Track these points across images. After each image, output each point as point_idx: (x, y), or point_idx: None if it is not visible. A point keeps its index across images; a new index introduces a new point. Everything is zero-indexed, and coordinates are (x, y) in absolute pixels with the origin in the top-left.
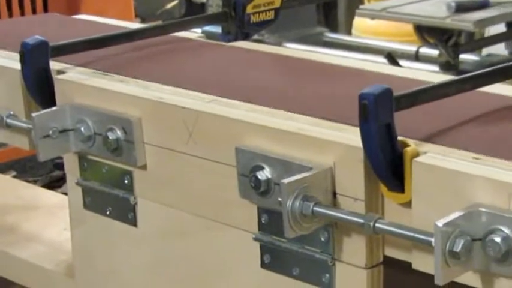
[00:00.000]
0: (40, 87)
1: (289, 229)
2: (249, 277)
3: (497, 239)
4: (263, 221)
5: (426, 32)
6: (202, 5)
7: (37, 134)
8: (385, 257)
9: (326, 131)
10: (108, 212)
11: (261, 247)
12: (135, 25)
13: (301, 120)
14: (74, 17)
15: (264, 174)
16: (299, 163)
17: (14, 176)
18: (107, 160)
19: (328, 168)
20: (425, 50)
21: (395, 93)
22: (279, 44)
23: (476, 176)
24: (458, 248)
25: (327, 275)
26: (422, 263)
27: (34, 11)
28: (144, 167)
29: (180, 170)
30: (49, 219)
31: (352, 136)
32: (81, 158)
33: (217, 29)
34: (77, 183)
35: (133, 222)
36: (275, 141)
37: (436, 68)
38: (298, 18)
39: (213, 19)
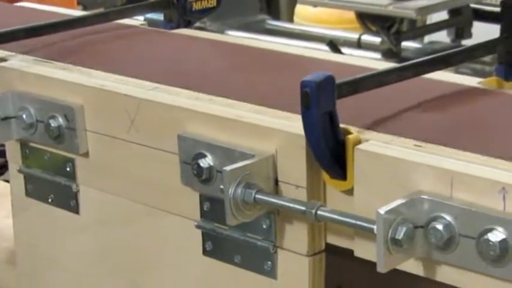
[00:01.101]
0: None
1: (231, 216)
2: (191, 264)
3: (439, 227)
4: (205, 209)
5: (368, 19)
6: None
7: None
8: (327, 244)
9: (268, 119)
10: (50, 200)
11: (203, 234)
12: (77, 12)
13: (243, 108)
14: (15, 5)
15: (206, 161)
16: (241, 151)
17: None
18: (49, 147)
19: (270, 155)
20: (367, 38)
21: (338, 80)
22: (221, 32)
23: (418, 164)
24: (400, 235)
25: (269, 263)
26: (364, 250)
27: None
28: (86, 155)
29: (122, 158)
30: None
31: (294, 124)
32: (23, 145)
33: (159, 16)
34: (19, 171)
35: (76, 210)
36: (217, 128)
37: (378, 55)
38: (240, 5)
39: (155, 6)
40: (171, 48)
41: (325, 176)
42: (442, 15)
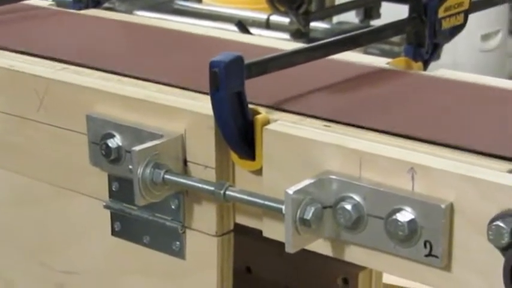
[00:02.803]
0: None
1: (139, 197)
2: (100, 245)
3: (348, 207)
4: (114, 189)
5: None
6: None
7: None
8: (236, 224)
9: (177, 99)
10: None
11: (112, 215)
12: None
13: (152, 88)
14: None
15: (115, 142)
16: (150, 131)
17: None
18: None
19: (178, 136)
20: (276, 18)
21: (246, 61)
22: (130, 12)
23: (326, 144)
24: (308, 215)
25: (178, 243)
26: (273, 230)
27: None
28: None
29: (31, 138)
30: None
31: (203, 104)
32: None
33: None
34: None
35: None
36: (126, 109)
37: (287, 36)
38: None
39: None
40: (80, 29)
41: (233, 156)
42: None
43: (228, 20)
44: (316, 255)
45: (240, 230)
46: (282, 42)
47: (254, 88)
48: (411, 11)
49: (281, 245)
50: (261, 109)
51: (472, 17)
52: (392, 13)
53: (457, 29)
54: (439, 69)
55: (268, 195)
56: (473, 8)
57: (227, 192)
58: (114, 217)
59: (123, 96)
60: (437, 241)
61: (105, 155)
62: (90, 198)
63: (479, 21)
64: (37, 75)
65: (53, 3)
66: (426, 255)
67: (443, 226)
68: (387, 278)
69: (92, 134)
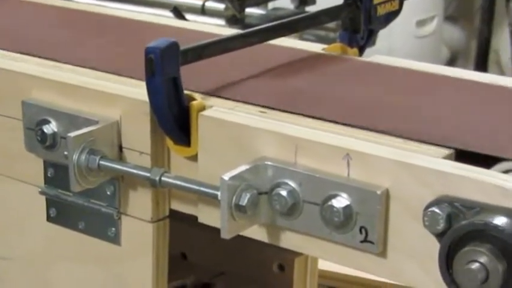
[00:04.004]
0: None
1: (75, 183)
2: (35, 231)
3: (283, 193)
4: (49, 175)
5: None
6: None
7: None
8: (172, 211)
9: (112, 85)
10: None
11: (47, 201)
12: None
13: (88, 74)
14: None
15: (50, 127)
16: (85, 117)
17: None
18: None
19: (114, 122)
20: (211, 4)
21: (182, 47)
22: None
23: (262, 130)
24: (244, 201)
25: (113, 229)
26: (208, 216)
27: None
28: None
29: None
30: None
31: (138, 90)
32: None
33: None
34: None
35: None
36: (62, 95)
37: (222, 22)
38: None
39: None
40: (15, 16)
41: (169, 142)
42: None
43: (164, 6)
44: (252, 241)
45: (176, 216)
46: (218, 28)
47: (190, 74)
48: None
49: (216, 231)
50: (196, 95)
51: (407, 3)
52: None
53: (392, 15)
54: (374, 55)
55: (204, 181)
56: None
57: (162, 179)
58: (50, 203)
59: (59, 82)
60: (373, 227)
61: (40, 141)
62: (26, 184)
63: (414, 8)
64: None
65: None
66: (362, 241)
67: (378, 212)
68: (323, 264)
69: (27, 120)
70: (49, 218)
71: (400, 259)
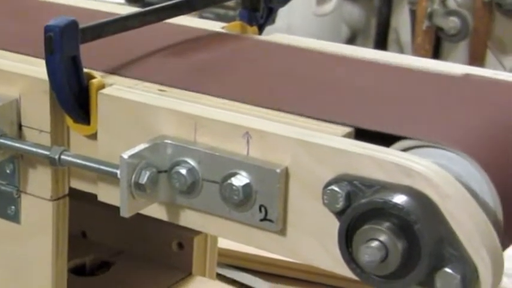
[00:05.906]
0: None
1: None
2: None
3: (183, 171)
4: None
5: None
6: None
7: None
8: (71, 189)
9: (11, 63)
10: None
11: None
12: None
13: None
14: None
15: None
16: None
17: None
18: None
19: (13, 100)
20: None
21: (81, 25)
22: None
23: (161, 108)
24: (143, 180)
25: (13, 207)
26: (107, 195)
27: None
28: None
29: None
30: None
31: (38, 68)
32: None
33: None
34: None
35: None
36: None
37: (122, 0)
38: None
39: None
40: None
41: (69, 120)
42: None
43: None
44: (152, 220)
45: (76, 195)
46: (117, 7)
47: (91, 53)
48: None
49: (116, 209)
50: (96, 74)
51: None
52: None
53: None
54: (274, 34)
55: (104, 159)
56: None
57: (62, 157)
58: None
59: None
60: (272, 206)
61: None
62: None
63: None
64: None
65: None
66: (261, 220)
67: (278, 190)
68: (222, 242)
69: None
70: None
71: (299, 237)
